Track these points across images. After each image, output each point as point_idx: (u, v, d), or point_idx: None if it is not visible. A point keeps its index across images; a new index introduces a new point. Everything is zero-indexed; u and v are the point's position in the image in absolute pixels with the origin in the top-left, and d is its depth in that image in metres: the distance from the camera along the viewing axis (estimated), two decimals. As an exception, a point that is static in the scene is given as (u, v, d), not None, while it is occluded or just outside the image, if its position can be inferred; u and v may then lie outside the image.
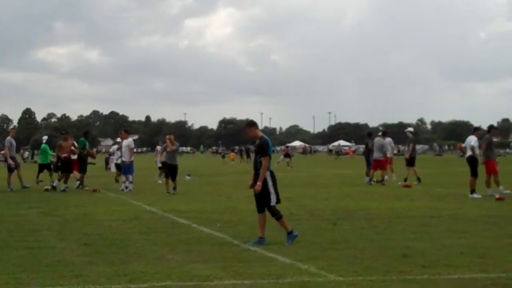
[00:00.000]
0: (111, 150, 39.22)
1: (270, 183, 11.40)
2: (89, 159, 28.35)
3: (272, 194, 11.38)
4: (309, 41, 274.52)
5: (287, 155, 53.73)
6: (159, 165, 30.96)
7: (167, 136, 23.57)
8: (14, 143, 25.97)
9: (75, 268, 9.21)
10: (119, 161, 27.38)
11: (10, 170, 25.06)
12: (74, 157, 25.42)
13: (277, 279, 8.50)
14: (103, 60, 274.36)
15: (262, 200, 11.45)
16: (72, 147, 25.52)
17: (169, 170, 22.88)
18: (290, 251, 10.62)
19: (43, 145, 28.46)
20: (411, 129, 30.67)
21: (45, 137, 30.00)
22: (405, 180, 26.93)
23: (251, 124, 11.94)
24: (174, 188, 22.59)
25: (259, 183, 11.34)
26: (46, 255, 10.27)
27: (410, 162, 28.03)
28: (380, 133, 30.94)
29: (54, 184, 24.69)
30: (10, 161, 25.24)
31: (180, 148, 40.46)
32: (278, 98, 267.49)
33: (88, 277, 8.57)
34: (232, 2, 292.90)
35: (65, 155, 24.78)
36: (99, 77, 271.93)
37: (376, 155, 27.82)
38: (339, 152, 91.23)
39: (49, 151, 28.47)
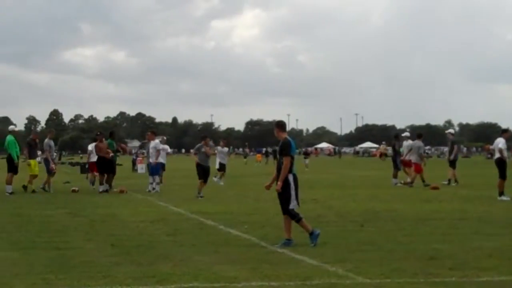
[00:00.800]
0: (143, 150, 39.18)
1: (292, 186, 11.37)
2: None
3: (292, 198, 11.35)
4: (336, 42, 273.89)
5: (306, 153, 55.23)
6: (218, 166, 30.97)
7: (203, 141, 23.39)
8: (52, 145, 26.26)
9: (103, 269, 9.26)
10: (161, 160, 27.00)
11: (50, 172, 25.27)
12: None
13: (305, 281, 8.48)
14: (130, 61, 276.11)
15: (283, 202, 11.44)
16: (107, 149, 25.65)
17: (202, 172, 22.64)
18: (317, 253, 10.59)
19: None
20: (451, 130, 30.89)
21: None
22: (455, 180, 27.73)
23: (277, 125, 11.92)
24: (199, 193, 22.03)
25: (279, 183, 11.33)
26: (74, 256, 10.34)
27: (452, 163, 28.18)
28: (404, 134, 30.84)
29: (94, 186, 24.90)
30: (53, 166, 25.48)
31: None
32: (305, 100, 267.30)
33: (115, 278, 8.62)
34: (258, 3, 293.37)
35: (104, 155, 25.06)
36: (126, 79, 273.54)
37: (413, 157, 27.56)
38: (386, 155, 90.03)
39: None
